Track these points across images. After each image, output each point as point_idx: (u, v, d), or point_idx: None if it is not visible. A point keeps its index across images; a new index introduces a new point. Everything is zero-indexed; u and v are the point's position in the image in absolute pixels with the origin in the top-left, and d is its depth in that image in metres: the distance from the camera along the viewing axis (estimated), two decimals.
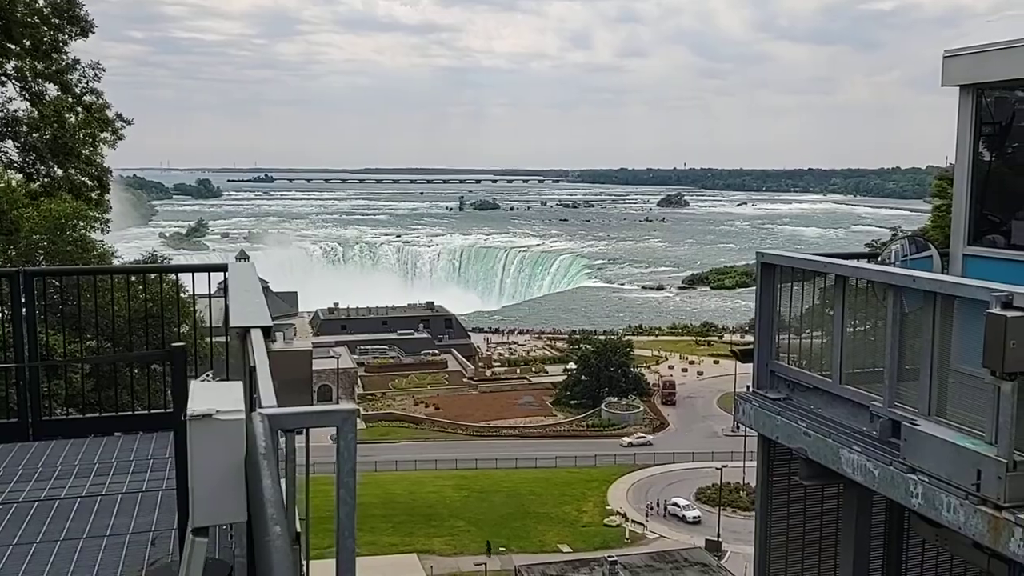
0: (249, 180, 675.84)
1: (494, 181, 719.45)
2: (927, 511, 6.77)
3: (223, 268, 7.97)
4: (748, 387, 9.64)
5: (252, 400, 3.57)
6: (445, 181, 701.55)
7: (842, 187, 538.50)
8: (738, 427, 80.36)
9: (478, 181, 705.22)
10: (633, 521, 78.50)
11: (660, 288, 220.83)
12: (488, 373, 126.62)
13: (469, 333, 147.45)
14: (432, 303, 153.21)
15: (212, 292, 9.11)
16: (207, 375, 4.22)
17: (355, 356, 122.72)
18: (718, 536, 72.62)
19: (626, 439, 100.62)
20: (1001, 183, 9.29)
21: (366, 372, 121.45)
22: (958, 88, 9.15)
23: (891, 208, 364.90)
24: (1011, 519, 6.04)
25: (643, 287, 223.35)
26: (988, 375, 6.20)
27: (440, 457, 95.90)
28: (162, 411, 9.06)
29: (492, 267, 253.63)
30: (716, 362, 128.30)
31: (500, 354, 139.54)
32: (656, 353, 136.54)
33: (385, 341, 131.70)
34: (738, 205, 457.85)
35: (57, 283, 13.37)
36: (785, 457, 9.33)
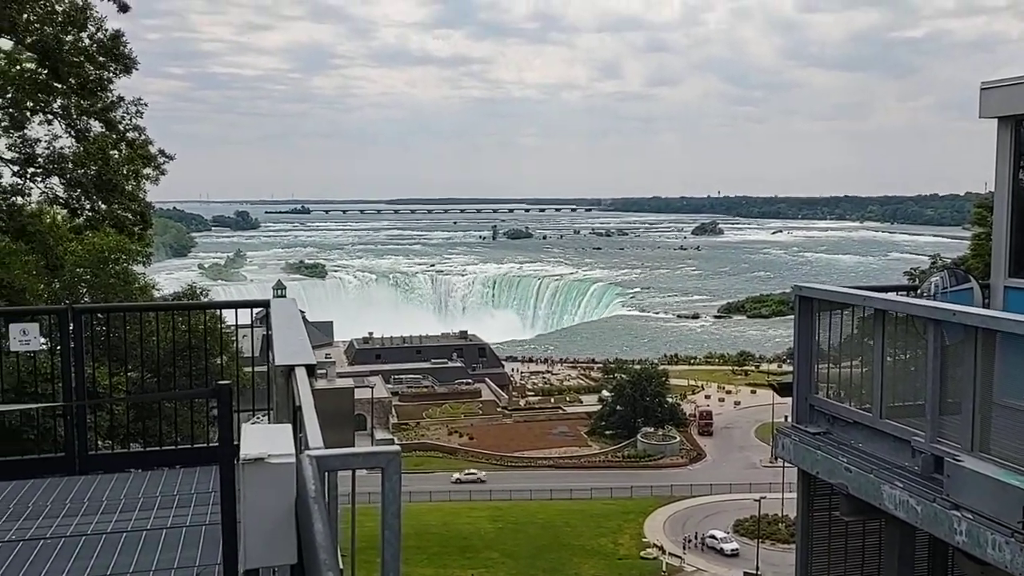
0: (286, 212, 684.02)
1: (527, 210, 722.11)
2: (972, 548, 6.67)
3: (265, 304, 8.22)
4: (786, 418, 9.56)
5: (298, 439, 3.64)
6: (478, 211, 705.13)
7: (879, 214, 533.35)
8: (776, 458, 78.33)
9: (511, 210, 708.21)
10: (670, 554, 77.51)
11: (696, 317, 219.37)
12: (522, 402, 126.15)
13: (503, 362, 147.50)
14: (466, 332, 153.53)
15: (252, 323, 9.30)
16: (258, 418, 4.24)
17: (389, 385, 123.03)
18: (757, 569, 71.46)
19: (455, 475, 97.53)
20: None
21: (400, 401, 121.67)
22: (996, 119, 9.10)
23: (929, 235, 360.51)
24: None
25: (678, 316, 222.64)
26: None
27: (474, 488, 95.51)
28: (204, 446, 9.18)
29: (526, 296, 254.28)
30: (753, 392, 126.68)
31: (534, 383, 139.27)
32: (692, 383, 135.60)
33: (419, 370, 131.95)
34: (773, 233, 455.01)
35: (101, 316, 13.59)
36: (826, 492, 9.23)
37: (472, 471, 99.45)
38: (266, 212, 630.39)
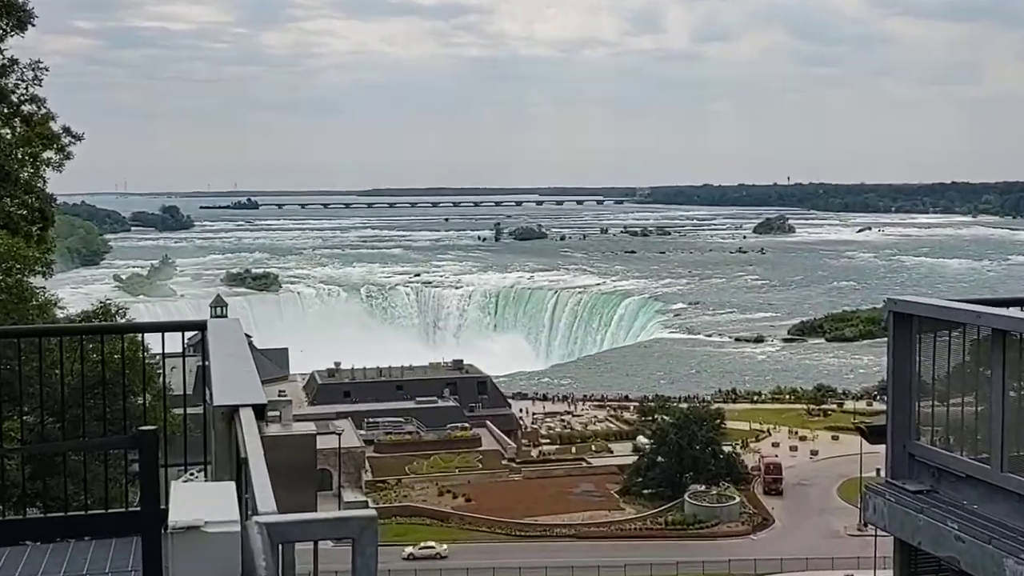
0: (228, 207, 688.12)
1: (539, 203, 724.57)
2: None
3: (200, 327, 8.32)
4: (879, 472, 9.58)
5: (244, 502, 3.62)
6: (476, 204, 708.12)
7: (997, 206, 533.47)
8: (866, 524, 78.09)
9: (519, 204, 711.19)
10: None
11: (759, 340, 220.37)
12: (535, 453, 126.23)
13: (509, 400, 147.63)
14: (461, 362, 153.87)
15: (183, 351, 9.60)
16: (191, 474, 4.27)
17: (362, 432, 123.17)
18: None
19: (408, 549, 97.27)
20: None
21: (376, 452, 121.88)
22: None
23: None
24: None
25: (736, 339, 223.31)
26: None
27: (474, 564, 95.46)
28: (122, 511, 9.09)
29: (538, 314, 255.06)
30: (835, 438, 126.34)
31: (550, 428, 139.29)
32: (755, 426, 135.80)
33: (400, 412, 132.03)
34: (860, 231, 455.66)
35: None
36: (931, 568, 9.20)
37: (430, 544, 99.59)
38: (201, 207, 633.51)
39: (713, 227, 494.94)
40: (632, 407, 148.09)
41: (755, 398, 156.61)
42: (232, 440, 4.66)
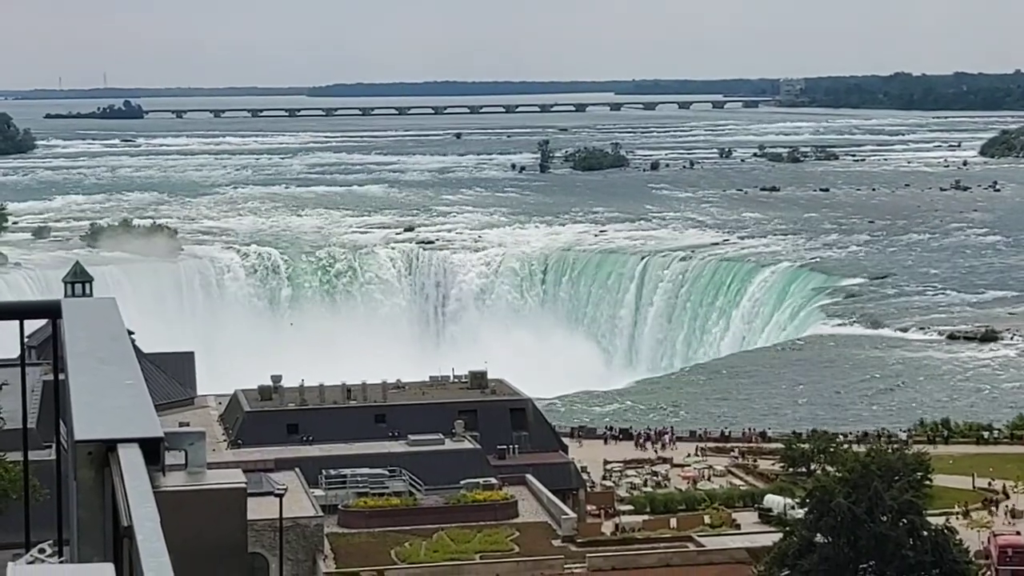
0: (92, 115, 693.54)
1: (616, 107, 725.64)
2: None
3: (49, 312, 8.44)
4: None
5: None
6: (509, 110, 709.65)
7: None
8: None
9: (581, 108, 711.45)
10: None
11: (990, 338, 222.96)
12: (608, 528, 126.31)
13: (565, 440, 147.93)
14: (484, 375, 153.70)
15: (22, 354, 9.51)
16: (37, 552, 5.18)
17: (318, 491, 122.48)
18: None
19: None
20: None
21: (342, 526, 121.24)
22: None
23: None
24: None
25: (951, 336, 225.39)
26: None
27: None
28: None
29: (614, 294, 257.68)
30: None
31: (634, 486, 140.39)
32: (983, 483, 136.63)
33: (383, 458, 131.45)
34: None
35: None
36: None
37: None
38: (48, 116, 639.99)
39: (909, 146, 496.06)
40: (772, 449, 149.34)
41: (983, 436, 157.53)
42: (106, 499, 4.86)
